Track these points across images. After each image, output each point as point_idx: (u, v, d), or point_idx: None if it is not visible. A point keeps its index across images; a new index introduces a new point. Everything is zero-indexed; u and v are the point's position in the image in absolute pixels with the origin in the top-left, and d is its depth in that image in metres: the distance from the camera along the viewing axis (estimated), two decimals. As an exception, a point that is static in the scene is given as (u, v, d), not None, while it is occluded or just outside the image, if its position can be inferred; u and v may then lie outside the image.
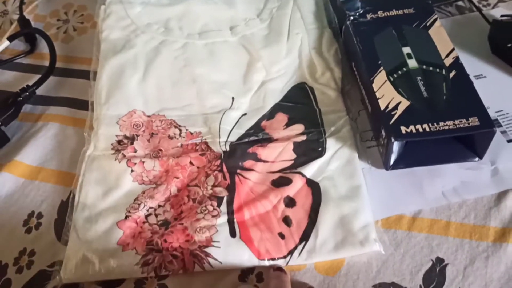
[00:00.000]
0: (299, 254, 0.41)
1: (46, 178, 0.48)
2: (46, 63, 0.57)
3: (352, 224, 0.42)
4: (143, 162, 0.46)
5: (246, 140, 0.48)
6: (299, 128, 0.48)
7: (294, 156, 0.46)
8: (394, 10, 0.52)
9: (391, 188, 0.45)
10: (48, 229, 0.45)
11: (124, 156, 0.47)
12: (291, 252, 0.41)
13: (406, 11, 0.52)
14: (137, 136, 0.49)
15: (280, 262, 0.41)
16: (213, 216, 0.43)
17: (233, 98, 0.51)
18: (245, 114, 0.50)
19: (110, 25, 0.56)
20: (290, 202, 0.44)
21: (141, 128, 0.49)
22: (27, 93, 0.53)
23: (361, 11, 0.53)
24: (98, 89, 0.51)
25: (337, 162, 0.46)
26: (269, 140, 0.48)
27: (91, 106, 0.51)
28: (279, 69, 0.53)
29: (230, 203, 0.44)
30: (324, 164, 0.46)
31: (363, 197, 0.44)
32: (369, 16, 0.52)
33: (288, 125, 0.49)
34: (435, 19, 0.51)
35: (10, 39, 0.59)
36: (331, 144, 0.47)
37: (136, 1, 0.58)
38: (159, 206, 0.44)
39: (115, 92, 0.51)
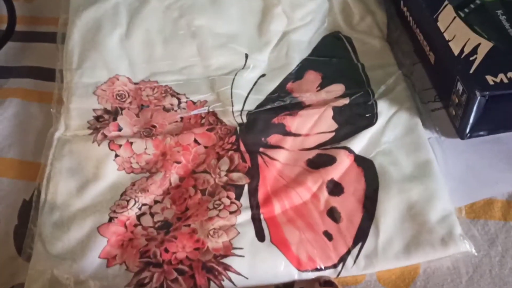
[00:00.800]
0: (355, 261, 0.35)
1: (3, 171, 0.42)
2: (4, 26, 0.51)
3: (426, 215, 0.35)
4: (131, 143, 0.40)
5: (269, 107, 0.42)
6: (338, 88, 0.43)
7: (335, 126, 0.41)
8: None
9: (472, 164, 0.39)
10: (5, 240, 0.38)
11: (105, 136, 0.41)
12: (343, 259, 0.35)
13: None
14: (122, 109, 0.42)
15: (329, 273, 0.34)
16: (231, 213, 0.36)
17: (246, 55, 0.45)
18: (263, 75, 0.44)
19: None
20: (335, 188, 0.37)
21: (126, 99, 0.43)
22: (-20, 64, 0.49)
23: None
24: (68, 51, 0.45)
25: (394, 131, 0.40)
26: (300, 106, 0.42)
27: (59, 75, 0.46)
28: (304, 15, 0.47)
29: (253, 193, 0.37)
30: (377, 135, 0.40)
31: (436, 176, 0.37)
32: None
33: (322, 85, 0.43)
34: None
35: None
36: (384, 108, 0.41)
37: None
38: (156, 202, 0.38)
39: (91, 54, 0.45)
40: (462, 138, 0.39)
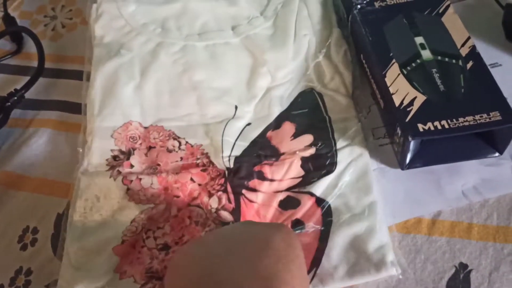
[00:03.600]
0: (311, 282, 0.39)
1: (40, 189, 0.47)
2: (35, 63, 0.55)
3: (366, 245, 0.40)
4: (140, 179, 0.44)
5: (253, 155, 0.46)
6: (307, 139, 0.46)
7: (302, 173, 0.44)
8: (403, -4, 0.49)
9: (408, 189, 0.44)
10: (44, 244, 0.44)
11: (120, 172, 0.44)
12: None
13: (416, -3, 0.49)
14: (134, 150, 0.46)
15: None
16: None
17: (236, 107, 0.48)
18: (249, 124, 0.47)
19: (103, 26, 0.52)
20: (298, 226, 0.42)
21: (137, 141, 0.46)
22: (16, 98, 0.51)
23: (368, -1, 0.50)
24: (91, 99, 0.48)
25: (349, 177, 0.44)
26: (276, 153, 0.45)
27: (84, 109, 0.49)
28: (285, 74, 0.50)
29: None
30: (334, 180, 0.43)
31: (378, 215, 0.41)
32: (377, 4, 0.50)
33: (295, 135, 0.46)
34: (448, 5, 0.49)
35: (-5, 38, 0.57)
36: (343, 157, 0.45)
37: None
38: (158, 228, 0.42)
39: (110, 102, 0.48)
40: (402, 169, 0.43)
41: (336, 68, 0.50)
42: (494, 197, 0.43)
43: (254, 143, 0.46)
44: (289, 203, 0.43)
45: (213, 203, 0.43)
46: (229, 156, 0.45)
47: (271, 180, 0.44)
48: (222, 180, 0.44)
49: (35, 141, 0.50)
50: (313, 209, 0.42)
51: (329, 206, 0.42)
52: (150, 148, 0.46)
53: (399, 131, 0.42)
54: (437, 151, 0.43)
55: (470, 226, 0.42)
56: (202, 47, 0.51)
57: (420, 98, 0.42)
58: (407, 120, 0.41)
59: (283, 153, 0.45)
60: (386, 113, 0.46)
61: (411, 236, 0.42)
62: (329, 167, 0.44)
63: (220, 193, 0.43)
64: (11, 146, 0.50)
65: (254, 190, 0.43)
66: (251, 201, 0.43)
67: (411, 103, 0.42)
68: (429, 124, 0.40)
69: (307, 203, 0.42)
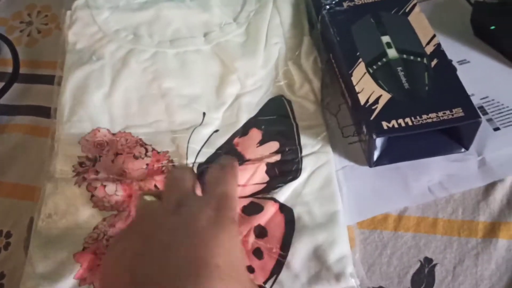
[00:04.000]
0: None
1: (13, 194, 0.47)
2: (10, 69, 0.55)
3: (327, 256, 0.39)
4: (105, 186, 0.43)
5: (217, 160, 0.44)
6: (273, 146, 0.46)
7: (267, 178, 0.44)
8: (371, -4, 0.50)
9: (375, 186, 0.44)
10: (17, 248, 0.44)
11: (85, 179, 0.44)
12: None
13: (384, -4, 0.49)
14: (100, 157, 0.45)
15: None
16: None
17: (204, 114, 0.48)
18: (217, 130, 0.47)
19: (76, 33, 0.52)
20: (261, 232, 0.41)
21: (105, 147, 0.46)
22: (-11, 104, 0.52)
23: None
24: (61, 105, 0.48)
25: (313, 185, 0.43)
26: (242, 159, 0.45)
27: (54, 114, 0.49)
28: (255, 81, 0.50)
29: None
30: (299, 188, 0.43)
31: (340, 225, 0.41)
32: (345, 4, 0.50)
33: (262, 142, 0.46)
34: (415, 4, 0.49)
35: (-31, 46, 0.57)
36: (308, 164, 0.44)
37: (104, 6, 0.54)
38: None
39: (79, 109, 0.48)
40: (370, 166, 0.44)
41: (305, 75, 0.50)
42: (460, 192, 0.43)
43: (219, 149, 0.46)
44: (252, 209, 0.42)
45: None
46: (193, 163, 0.45)
47: None
48: None
49: (7, 145, 0.50)
50: (276, 216, 0.42)
51: (292, 213, 0.42)
52: (117, 154, 0.46)
53: (364, 129, 0.42)
54: (403, 148, 0.44)
55: (435, 221, 0.42)
56: (173, 55, 0.51)
57: (385, 96, 0.43)
58: (371, 118, 0.42)
59: (248, 160, 0.45)
60: (354, 112, 0.46)
61: (378, 232, 0.42)
62: (294, 174, 0.44)
63: None
64: (-17, 151, 0.50)
65: None
66: None
67: (376, 101, 0.42)
68: (393, 122, 0.41)
69: (270, 209, 0.42)
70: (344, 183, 0.44)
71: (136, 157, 0.45)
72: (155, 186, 0.43)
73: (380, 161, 0.44)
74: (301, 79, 0.50)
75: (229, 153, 0.45)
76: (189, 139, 0.46)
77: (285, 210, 0.42)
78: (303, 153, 0.45)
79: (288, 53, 0.51)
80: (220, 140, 0.47)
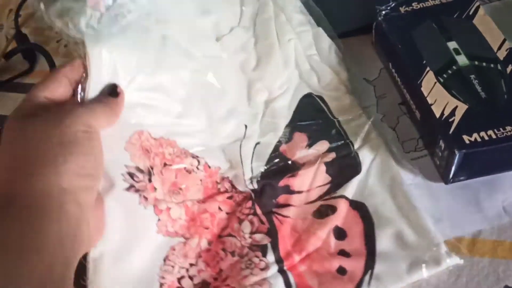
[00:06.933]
0: (369, 286, 0.37)
1: None
2: None
3: (417, 241, 0.39)
4: (170, 208, 0.39)
5: (274, 171, 0.44)
6: (324, 145, 0.45)
7: (329, 178, 0.43)
8: (430, 0, 0.48)
9: (444, 207, 0.41)
10: None
11: (146, 199, 0.38)
12: (358, 286, 0.37)
13: (443, 0, 0.48)
14: (152, 169, 0.40)
15: None
16: (261, 269, 0.38)
17: (246, 126, 0.46)
18: (258, 143, 0.45)
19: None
20: (340, 233, 0.40)
21: (151, 154, 0.40)
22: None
23: (393, 5, 0.48)
24: None
25: (376, 175, 0.43)
26: (296, 165, 0.44)
27: None
28: (281, 84, 0.48)
29: (275, 249, 0.39)
30: (363, 180, 0.42)
31: (417, 208, 0.40)
32: (402, 9, 0.49)
33: (310, 144, 0.45)
34: (478, 7, 0.47)
35: (7, 57, 0.56)
36: (365, 156, 0.44)
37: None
38: (191, 265, 0.39)
39: None
40: (446, 183, 0.41)
41: (329, 67, 0.49)
42: (539, 212, 0.40)
43: (270, 160, 0.45)
44: (324, 211, 0.41)
45: (245, 228, 0.41)
46: (251, 178, 0.43)
47: (299, 192, 0.43)
48: (250, 203, 0.42)
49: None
50: (350, 213, 0.41)
51: (366, 207, 0.41)
52: (165, 165, 0.40)
53: (442, 143, 0.40)
54: (481, 162, 0.41)
55: (513, 246, 0.39)
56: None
57: (462, 108, 0.40)
58: (450, 132, 0.39)
59: (303, 164, 0.44)
60: (424, 125, 0.44)
61: None
62: (355, 168, 0.43)
63: (250, 216, 0.41)
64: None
65: (284, 205, 0.42)
66: (284, 216, 0.41)
67: (452, 113, 0.40)
68: (475, 135, 0.39)
69: (343, 207, 0.41)
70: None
71: (188, 171, 0.42)
72: (219, 208, 0.41)
73: (456, 178, 0.41)
74: (325, 72, 0.49)
75: (283, 165, 0.44)
76: (241, 153, 0.44)
77: (357, 205, 0.41)
78: (356, 146, 0.44)
79: (305, 48, 0.50)
80: (267, 151, 0.45)
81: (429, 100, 0.41)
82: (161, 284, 0.37)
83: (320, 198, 0.42)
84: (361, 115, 0.46)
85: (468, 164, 0.41)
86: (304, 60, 0.49)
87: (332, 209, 0.41)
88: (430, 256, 0.38)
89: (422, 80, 0.43)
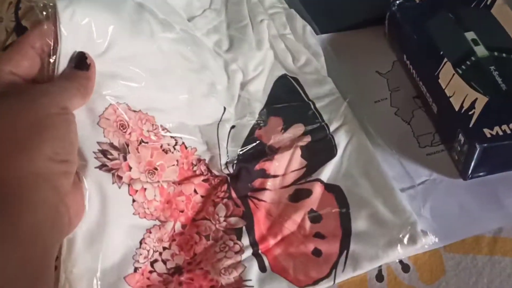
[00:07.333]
0: (344, 266, 0.37)
1: None
2: None
3: (393, 219, 0.39)
4: (145, 189, 0.37)
5: (250, 155, 0.43)
6: (299, 128, 0.44)
7: (304, 162, 0.43)
8: (446, -11, 0.47)
9: (462, 203, 0.40)
10: None
11: (121, 178, 0.35)
12: (334, 267, 0.37)
13: (460, -11, 0.47)
14: (128, 145, 0.36)
15: (326, 282, 0.37)
16: (236, 253, 0.38)
17: (224, 108, 0.44)
18: (233, 126, 0.45)
19: None
20: (315, 217, 0.40)
21: (127, 130, 0.37)
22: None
23: (407, -6, 0.47)
24: None
25: (351, 157, 0.42)
26: (272, 149, 0.43)
27: None
28: (255, 66, 0.47)
29: (250, 232, 0.39)
30: (339, 163, 0.42)
31: (394, 188, 0.40)
32: None
33: (285, 128, 0.45)
34: None
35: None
36: (340, 139, 0.43)
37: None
38: (164, 248, 0.38)
39: None
40: (464, 179, 0.40)
41: (303, 47, 0.49)
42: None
43: (246, 144, 0.44)
44: (299, 195, 0.41)
45: (220, 211, 0.40)
46: (227, 162, 0.42)
47: (275, 176, 0.42)
48: (225, 187, 0.41)
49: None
50: (325, 196, 0.41)
51: (341, 189, 0.41)
52: (141, 142, 0.37)
53: (461, 137, 0.39)
54: (501, 156, 0.40)
55: (537, 244, 0.38)
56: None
57: (482, 100, 0.39)
58: (471, 125, 0.38)
59: (279, 148, 0.43)
60: (442, 119, 0.42)
61: (470, 257, 0.38)
62: (330, 151, 0.43)
63: (225, 200, 0.41)
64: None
65: (260, 189, 0.42)
66: (260, 200, 0.41)
67: (472, 106, 0.39)
68: (496, 129, 0.37)
69: (318, 191, 0.41)
70: (426, 200, 0.40)
71: (165, 151, 0.39)
72: (195, 191, 0.40)
73: (475, 173, 0.40)
74: (302, 53, 0.48)
75: (260, 148, 0.44)
76: (218, 135, 0.43)
77: (332, 188, 0.41)
78: (331, 129, 0.44)
79: (279, 28, 0.50)
80: (242, 135, 0.44)
81: (448, 93, 0.40)
82: (136, 268, 0.36)
83: (295, 182, 0.42)
84: (338, 97, 0.46)
85: (488, 159, 0.39)
86: (279, 40, 0.49)
87: (307, 193, 0.41)
88: (405, 235, 0.37)
89: (439, 72, 0.41)
